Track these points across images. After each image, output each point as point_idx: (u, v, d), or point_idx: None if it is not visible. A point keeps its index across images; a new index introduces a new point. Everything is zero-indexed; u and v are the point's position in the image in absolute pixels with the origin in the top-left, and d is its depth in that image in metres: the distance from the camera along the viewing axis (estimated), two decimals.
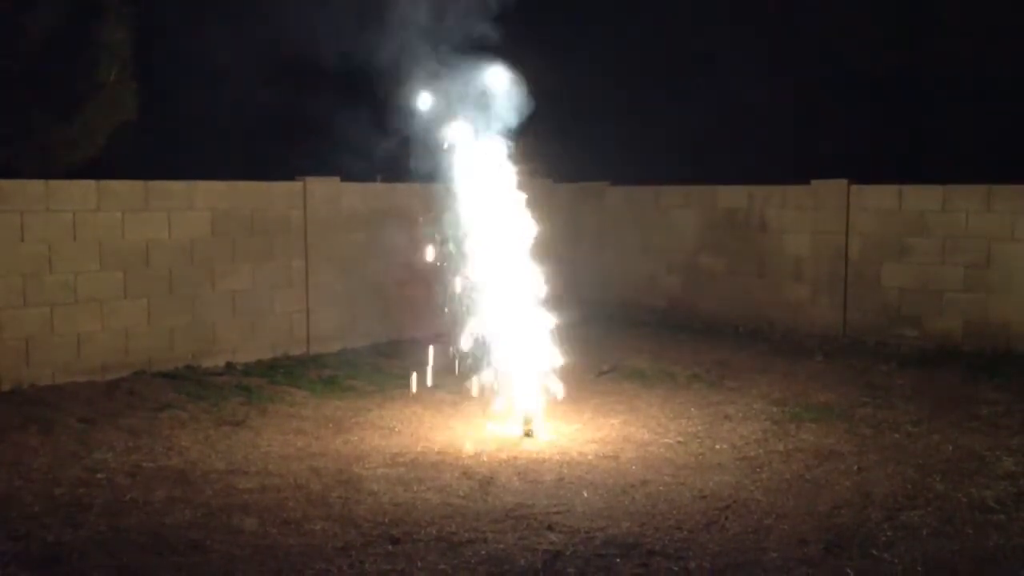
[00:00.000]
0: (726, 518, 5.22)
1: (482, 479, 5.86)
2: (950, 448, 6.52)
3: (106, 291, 8.50)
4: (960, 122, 11.82)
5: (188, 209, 9.04)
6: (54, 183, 8.30)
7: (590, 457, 6.35)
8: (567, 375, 7.39)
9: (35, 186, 8.19)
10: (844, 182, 10.81)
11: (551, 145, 7.15)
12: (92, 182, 8.51)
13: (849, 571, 4.54)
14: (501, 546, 4.80)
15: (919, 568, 4.57)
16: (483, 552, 4.73)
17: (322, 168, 10.13)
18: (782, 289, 11.33)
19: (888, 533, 5.00)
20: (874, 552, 4.75)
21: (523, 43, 7.04)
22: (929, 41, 11.99)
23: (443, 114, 7.05)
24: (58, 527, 5.05)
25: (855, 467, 6.12)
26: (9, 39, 8.97)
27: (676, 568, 4.56)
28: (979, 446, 6.55)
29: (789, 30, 13.01)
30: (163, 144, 11.14)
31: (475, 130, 7.06)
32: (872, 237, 10.63)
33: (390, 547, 4.79)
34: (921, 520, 5.17)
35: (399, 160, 7.48)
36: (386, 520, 5.15)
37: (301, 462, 6.22)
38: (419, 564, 4.59)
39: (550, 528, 5.03)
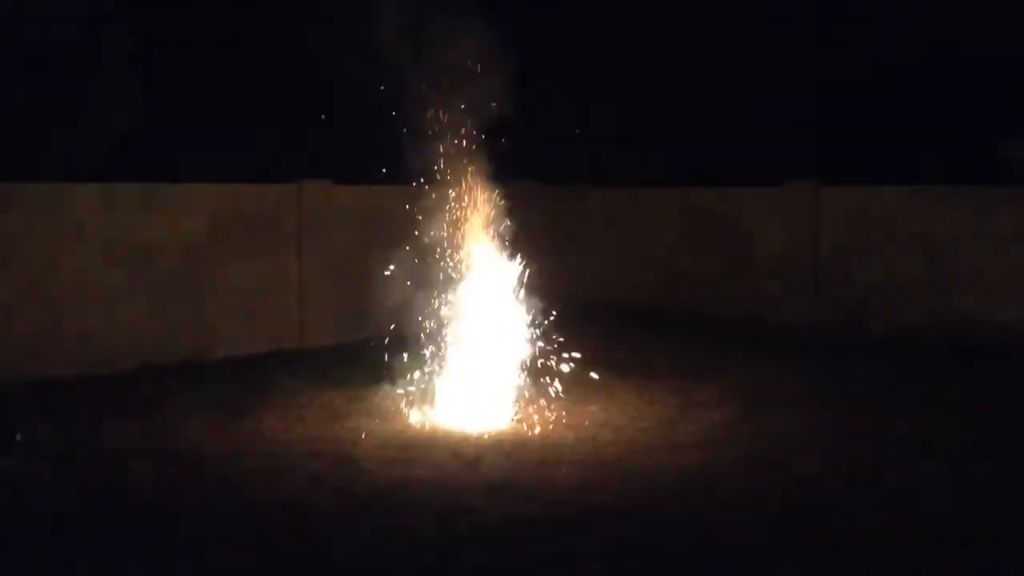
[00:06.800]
0: (691, 491, 5.68)
1: (470, 459, 6.31)
2: (907, 430, 7.00)
3: (111, 289, 8.90)
4: (925, 123, 12.31)
5: (187, 211, 9.43)
6: (61, 186, 8.71)
7: (570, 440, 6.81)
8: (550, 367, 7.86)
9: (43, 189, 8.61)
10: (813, 183, 11.31)
11: (536, 147, 7.55)
12: (97, 185, 8.91)
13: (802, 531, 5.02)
14: (487, 516, 5.25)
15: (872, 533, 5.04)
16: (470, 521, 5.18)
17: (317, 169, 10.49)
18: (755, 286, 11.81)
19: (844, 504, 5.46)
20: (831, 519, 5.22)
21: (509, 45, 7.30)
22: (895, 43, 12.48)
23: (431, 117, 7.45)
24: (69, 502, 5.47)
25: (817, 448, 6.58)
26: (17, 46, 9.33)
27: (642, 530, 5.02)
28: (931, 429, 7.03)
29: (762, 35, 13.48)
30: (167, 146, 11.43)
31: (465, 134, 7.49)
32: (841, 235, 11.13)
33: (384, 518, 5.23)
34: (874, 493, 5.65)
35: (392, 162, 7.84)
36: (381, 494, 5.60)
37: (301, 446, 6.64)
38: (411, 532, 5.04)
39: (531, 499, 5.49)
